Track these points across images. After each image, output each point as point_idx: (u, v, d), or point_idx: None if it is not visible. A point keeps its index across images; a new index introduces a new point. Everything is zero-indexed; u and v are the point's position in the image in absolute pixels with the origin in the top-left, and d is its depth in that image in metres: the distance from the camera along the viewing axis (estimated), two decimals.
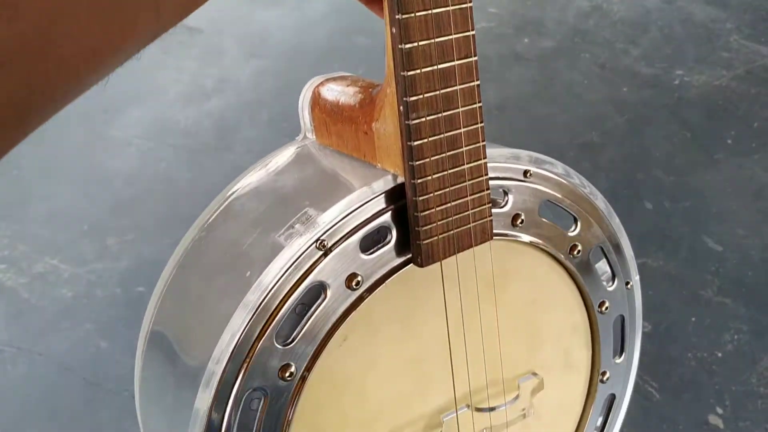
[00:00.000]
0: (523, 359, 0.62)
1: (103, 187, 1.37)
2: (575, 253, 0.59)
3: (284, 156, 0.58)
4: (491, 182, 0.50)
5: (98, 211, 1.32)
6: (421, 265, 0.48)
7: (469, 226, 0.49)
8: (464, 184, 0.48)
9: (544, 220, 0.56)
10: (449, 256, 0.49)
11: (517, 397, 0.62)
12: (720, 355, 1.04)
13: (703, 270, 1.15)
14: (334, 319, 0.48)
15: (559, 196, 0.57)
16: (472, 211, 0.49)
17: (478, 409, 0.60)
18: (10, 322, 1.14)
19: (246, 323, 0.45)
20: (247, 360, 0.46)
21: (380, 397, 0.54)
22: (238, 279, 0.49)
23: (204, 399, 0.45)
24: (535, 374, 0.63)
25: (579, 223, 0.59)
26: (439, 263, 0.50)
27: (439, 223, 0.47)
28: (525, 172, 0.54)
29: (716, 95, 1.49)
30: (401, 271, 0.49)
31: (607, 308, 0.63)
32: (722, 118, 1.43)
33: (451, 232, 0.48)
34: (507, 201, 0.54)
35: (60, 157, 1.46)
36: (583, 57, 1.64)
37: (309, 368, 0.48)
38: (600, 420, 0.72)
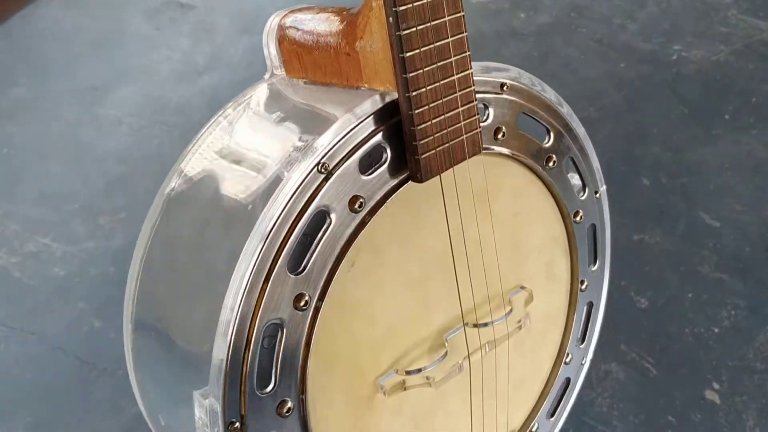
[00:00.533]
0: (511, 273, 0.64)
1: (95, 166, 1.36)
2: (551, 164, 0.61)
3: (258, 95, 0.58)
4: None
5: (90, 190, 1.31)
6: (420, 181, 0.49)
7: (462, 137, 0.50)
8: (455, 95, 0.48)
9: (521, 132, 0.58)
10: (446, 170, 0.50)
11: (511, 310, 0.63)
12: (717, 330, 1.04)
13: (701, 246, 1.15)
14: (341, 243, 0.48)
15: (533, 107, 0.58)
16: (464, 122, 0.49)
17: (477, 326, 0.61)
18: (2, 301, 1.13)
19: (257, 257, 0.44)
20: (261, 294, 0.45)
21: (388, 320, 0.55)
22: (239, 216, 0.49)
23: (222, 347, 0.45)
24: (523, 287, 0.65)
25: (552, 134, 0.61)
26: (438, 179, 0.51)
27: (435, 135, 0.48)
28: (502, 85, 0.55)
29: (714, 70, 1.47)
30: (400, 190, 0.49)
31: (581, 218, 0.67)
32: (720, 94, 1.42)
33: (447, 144, 0.49)
34: (488, 115, 0.55)
35: (51, 136, 1.44)
36: (579, 32, 1.62)
37: (322, 297, 0.48)
38: (581, 329, 0.75)
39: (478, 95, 0.52)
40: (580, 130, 0.64)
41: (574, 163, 0.64)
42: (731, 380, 0.98)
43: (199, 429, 0.48)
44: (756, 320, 1.04)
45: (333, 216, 0.47)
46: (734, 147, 1.31)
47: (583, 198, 0.66)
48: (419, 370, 0.57)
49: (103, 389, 1.01)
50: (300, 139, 0.49)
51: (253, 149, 0.53)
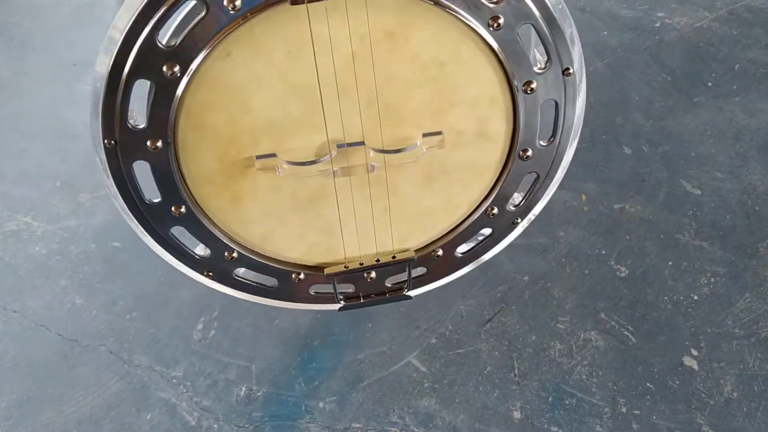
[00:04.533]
0: (429, 116, 0.65)
1: (75, 143, 1.35)
2: (495, 26, 0.58)
3: None
4: None
5: (70, 168, 1.30)
6: (291, 2, 0.53)
7: None
8: None
9: None
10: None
11: (412, 145, 0.66)
12: (696, 298, 1.04)
13: (681, 214, 1.15)
14: (213, 34, 0.55)
15: None
16: None
17: (377, 150, 0.66)
18: None
19: (130, 22, 0.53)
20: (134, 50, 0.54)
21: (268, 113, 0.62)
22: None
23: (102, 64, 0.56)
24: (439, 132, 0.66)
25: None
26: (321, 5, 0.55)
27: None
28: None
29: (697, 37, 1.47)
30: (281, 5, 0.54)
31: (533, 89, 0.63)
32: (703, 61, 1.41)
33: None
34: None
35: (30, 113, 1.43)
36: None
37: (193, 72, 0.56)
38: (519, 197, 0.75)
39: None
40: (553, 3, 0.59)
41: (537, 32, 0.61)
42: (710, 347, 0.99)
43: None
44: (735, 287, 1.05)
45: (210, 8, 0.53)
46: (716, 114, 1.30)
47: (540, 71, 0.63)
48: (297, 164, 0.65)
49: (85, 365, 1.01)
50: None
51: None
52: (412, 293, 0.83)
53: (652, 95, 1.35)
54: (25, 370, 1.01)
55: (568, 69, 0.63)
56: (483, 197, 0.74)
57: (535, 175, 0.72)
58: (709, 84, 1.36)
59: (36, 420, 0.95)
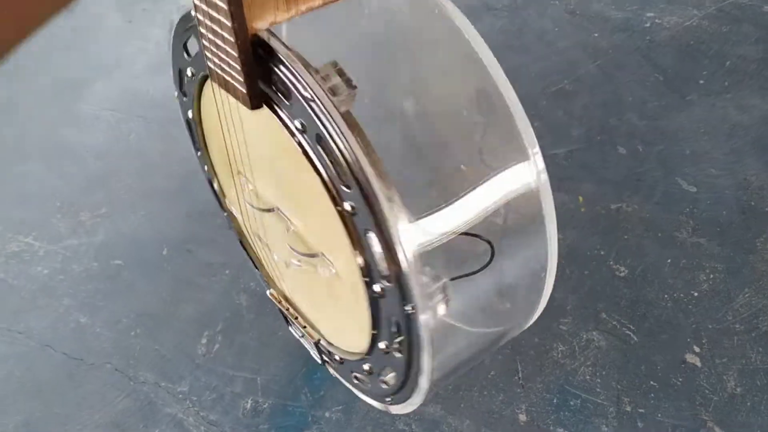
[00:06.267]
0: (325, 246, 0.61)
1: (74, 163, 1.35)
2: (354, 217, 0.51)
3: None
4: (279, 68, 0.50)
5: (70, 187, 1.31)
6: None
7: (229, 81, 0.53)
8: (219, 38, 0.51)
9: (323, 153, 0.50)
10: (220, 87, 0.56)
11: (312, 254, 0.64)
12: (696, 294, 1.05)
13: (678, 212, 1.16)
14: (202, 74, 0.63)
15: (332, 145, 0.49)
16: (228, 68, 0.52)
17: (287, 242, 0.67)
18: None
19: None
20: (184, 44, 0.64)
21: (219, 146, 0.69)
22: None
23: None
24: (332, 264, 0.61)
25: (355, 197, 0.50)
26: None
27: (207, 51, 0.54)
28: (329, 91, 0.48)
29: (688, 36, 1.48)
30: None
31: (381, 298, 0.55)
32: (694, 59, 1.42)
33: (220, 72, 0.54)
34: (291, 98, 0.51)
35: (29, 134, 1.44)
36: (552, 4, 1.62)
37: (202, 77, 0.64)
38: (392, 379, 0.65)
39: (286, 71, 0.49)
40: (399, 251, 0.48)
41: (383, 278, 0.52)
42: (711, 343, 0.99)
43: None
44: (734, 282, 1.06)
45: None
46: (709, 112, 1.31)
47: (377, 289, 0.53)
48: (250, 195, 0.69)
49: (91, 384, 1.01)
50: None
51: None
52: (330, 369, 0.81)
53: (645, 95, 1.36)
54: (31, 390, 1.02)
55: (412, 307, 0.51)
56: (358, 353, 0.68)
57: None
58: (701, 82, 1.37)
59: None
